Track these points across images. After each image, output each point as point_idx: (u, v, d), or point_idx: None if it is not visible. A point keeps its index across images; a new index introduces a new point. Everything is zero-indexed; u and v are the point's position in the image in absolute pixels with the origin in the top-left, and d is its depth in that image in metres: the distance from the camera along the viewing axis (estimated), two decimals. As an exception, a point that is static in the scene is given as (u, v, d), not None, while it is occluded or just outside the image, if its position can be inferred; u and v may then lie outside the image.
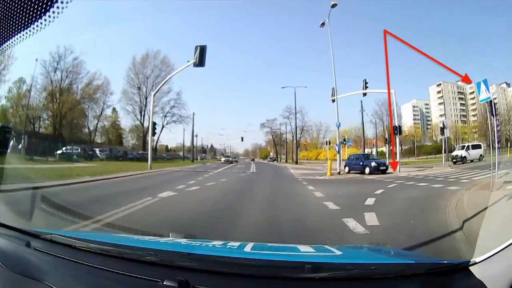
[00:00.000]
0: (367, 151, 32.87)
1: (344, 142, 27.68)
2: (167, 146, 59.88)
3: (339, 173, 17.79)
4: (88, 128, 42.62)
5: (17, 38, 1.21)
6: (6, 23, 1.16)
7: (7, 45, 1.27)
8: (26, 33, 1.17)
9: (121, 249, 1.46)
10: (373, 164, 16.97)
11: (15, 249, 1.57)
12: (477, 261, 1.18)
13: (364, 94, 21.68)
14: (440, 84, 55.34)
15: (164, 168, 20.67)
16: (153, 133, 23.55)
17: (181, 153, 52.68)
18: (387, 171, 16.74)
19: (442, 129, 23.29)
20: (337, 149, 19.69)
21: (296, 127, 41.41)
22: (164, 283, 1.12)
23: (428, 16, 72.80)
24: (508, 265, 1.08)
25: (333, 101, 19.73)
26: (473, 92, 48.16)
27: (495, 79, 48.17)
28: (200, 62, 17.87)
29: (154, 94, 25.40)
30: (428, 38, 68.55)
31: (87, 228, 3.96)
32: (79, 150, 27.57)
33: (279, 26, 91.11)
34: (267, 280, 1.20)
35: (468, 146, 22.19)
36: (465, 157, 20.45)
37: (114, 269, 1.29)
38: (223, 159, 43.17)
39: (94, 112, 41.86)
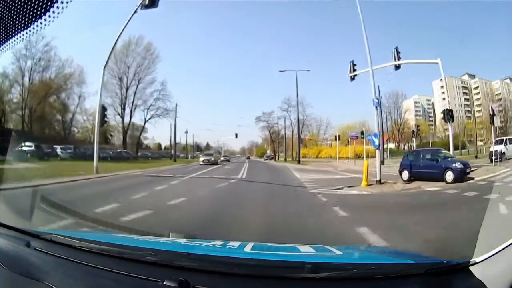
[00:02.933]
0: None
1: (362, 136, 21.96)
2: (159, 144, 53.76)
3: (380, 181, 10.86)
4: (63, 123, 37.60)
5: (17, 38, 1.22)
6: (6, 23, 1.16)
7: (7, 45, 1.28)
8: (26, 33, 1.17)
9: (121, 249, 1.46)
10: (458, 165, 10.44)
11: (15, 249, 1.57)
12: (477, 261, 1.17)
13: (397, 67, 15.39)
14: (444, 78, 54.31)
15: (120, 172, 15.94)
16: (102, 123, 17.57)
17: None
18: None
19: (492, 116, 18.30)
20: (375, 143, 11.86)
21: (298, 119, 34.32)
22: (164, 283, 1.12)
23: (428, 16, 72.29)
24: (508, 265, 1.08)
25: (352, 78, 15.39)
26: (477, 87, 47.16)
27: (498, 74, 46.84)
28: (151, 1, 13.74)
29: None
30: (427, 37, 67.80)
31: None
32: (33, 148, 22.83)
33: (276, 19, 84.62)
34: (267, 280, 1.20)
35: (507, 140, 18.21)
36: (504, 153, 16.80)
37: (114, 269, 1.29)
38: (201, 158, 28.89)
39: (73, 105, 37.04)
